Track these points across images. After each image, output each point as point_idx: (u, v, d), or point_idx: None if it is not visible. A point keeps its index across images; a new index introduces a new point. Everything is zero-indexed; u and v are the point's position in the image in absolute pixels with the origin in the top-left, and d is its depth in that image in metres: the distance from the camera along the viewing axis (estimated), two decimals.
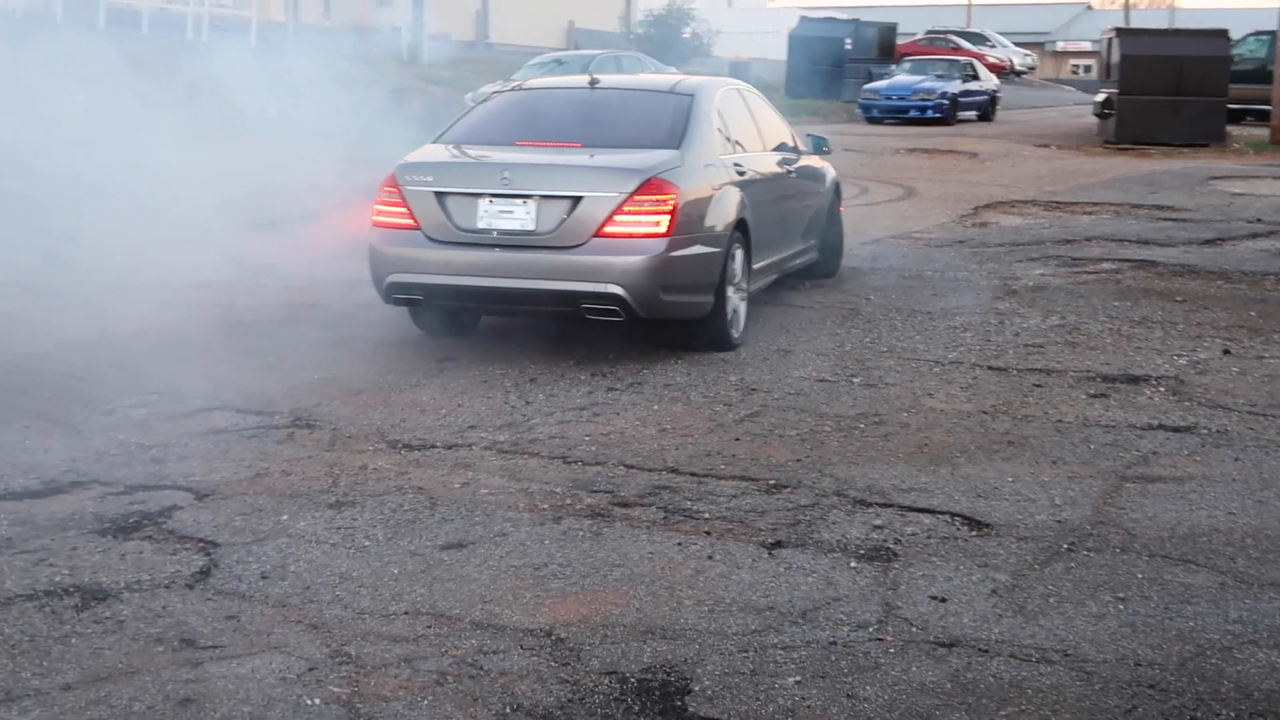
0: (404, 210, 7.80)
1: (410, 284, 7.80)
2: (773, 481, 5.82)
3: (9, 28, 24.87)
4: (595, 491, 5.67)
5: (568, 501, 5.55)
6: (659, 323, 7.91)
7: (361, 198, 9.07)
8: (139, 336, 8.51)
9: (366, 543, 5.05)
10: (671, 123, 8.31)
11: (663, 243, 7.51)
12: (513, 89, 9.57)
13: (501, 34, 43.92)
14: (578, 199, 7.51)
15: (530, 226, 7.55)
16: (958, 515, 5.40)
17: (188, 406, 6.97)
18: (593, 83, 9.06)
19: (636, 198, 7.50)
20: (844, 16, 41.34)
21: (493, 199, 7.62)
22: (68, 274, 10.75)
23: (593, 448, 6.31)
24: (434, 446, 6.33)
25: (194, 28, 27.14)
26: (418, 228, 7.74)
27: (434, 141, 8.57)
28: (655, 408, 7.01)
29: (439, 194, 7.70)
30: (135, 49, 24.79)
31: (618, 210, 7.48)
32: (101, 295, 10.05)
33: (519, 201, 7.58)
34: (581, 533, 5.17)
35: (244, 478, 5.82)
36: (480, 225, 7.62)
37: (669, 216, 7.54)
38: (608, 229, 7.48)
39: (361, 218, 8.51)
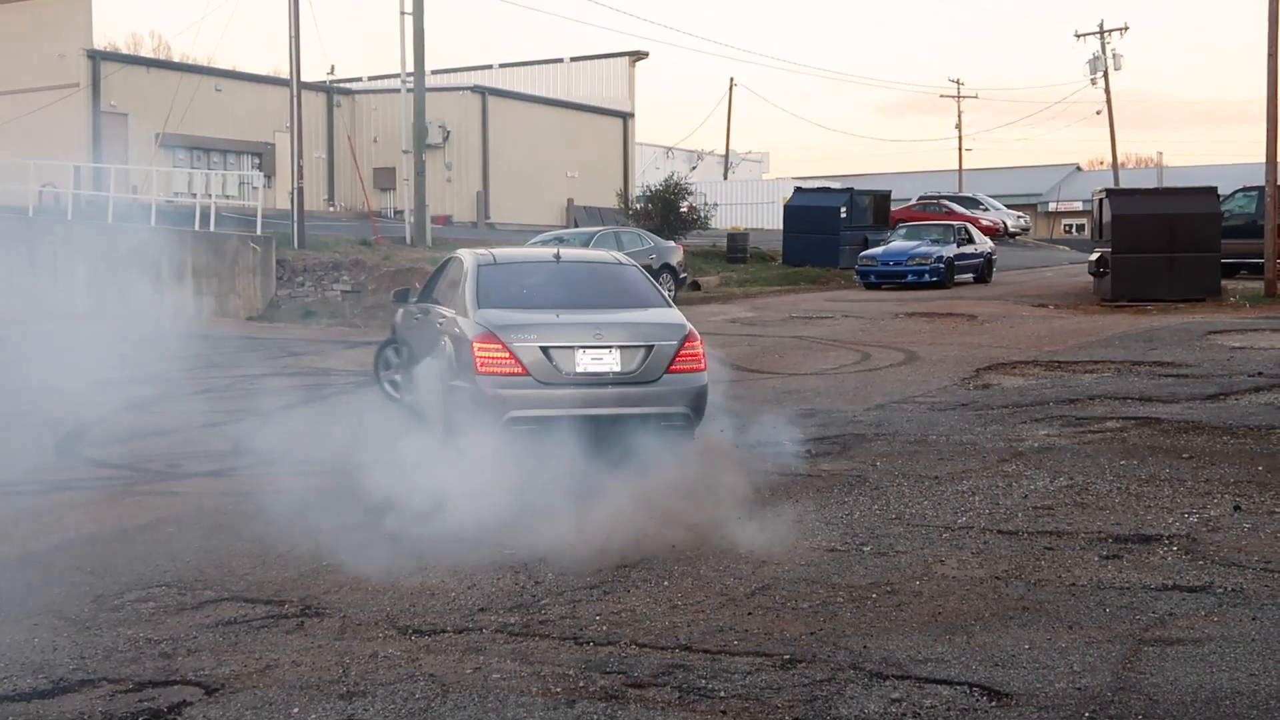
0: (513, 360, 9.55)
1: (528, 418, 9.47)
2: (787, 656, 5.77)
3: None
4: (608, 673, 5.62)
5: (580, 684, 5.49)
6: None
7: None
8: (147, 529, 8.52)
9: None
10: (646, 287, 10.78)
11: (704, 375, 9.96)
12: (489, 263, 10.94)
13: (501, 214, 44.74)
14: (650, 347, 9.68)
15: (618, 369, 9.61)
16: (976, 685, 5.34)
17: (196, 598, 6.95)
18: (557, 256, 11.08)
19: (687, 344, 9.81)
20: (837, 186, 42.16)
21: (586, 349, 9.62)
22: (78, 468, 10.81)
23: (604, 627, 6.27)
24: (444, 631, 6.28)
25: (201, 219, 27.67)
26: (527, 374, 9.51)
27: (482, 308, 10.09)
28: (665, 583, 6.98)
29: (543, 348, 9.54)
30: (144, 242, 25.29)
31: (677, 355, 9.74)
32: (111, 488, 10.10)
33: (607, 351, 9.64)
34: (595, 716, 5.11)
35: (254, 670, 5.78)
36: (579, 370, 9.56)
37: (702, 357, 9.98)
38: (673, 367, 9.72)
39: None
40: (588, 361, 9.62)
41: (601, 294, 10.56)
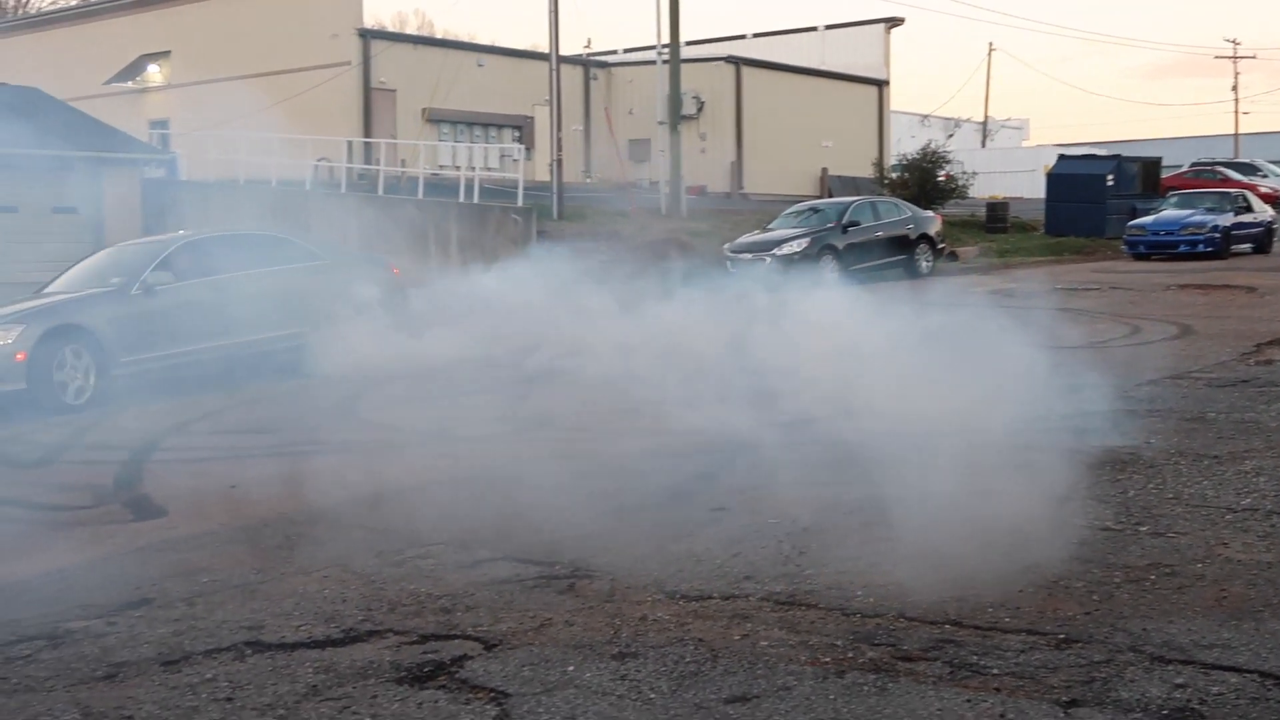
0: None
1: None
2: (1062, 636, 5.62)
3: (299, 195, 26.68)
4: (877, 645, 5.59)
5: (849, 655, 5.48)
6: None
7: None
8: (423, 489, 8.88)
9: (652, 695, 5.09)
10: None
11: None
12: None
13: (755, 185, 44.71)
14: None
15: None
16: (1268, 675, 5.10)
17: (471, 557, 7.20)
18: None
19: None
20: (1103, 152, 40.61)
21: None
22: (361, 431, 11.35)
23: (870, 599, 6.23)
24: (711, 597, 6.35)
25: (465, 191, 28.56)
26: None
27: None
28: (932, 558, 6.88)
29: None
30: (411, 214, 26.26)
31: None
32: (388, 450, 10.56)
33: None
34: (866, 687, 5.09)
35: (529, 628, 5.96)
36: None
37: None
38: None
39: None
40: None
41: None
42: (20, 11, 56.69)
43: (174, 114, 40.20)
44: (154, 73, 43.65)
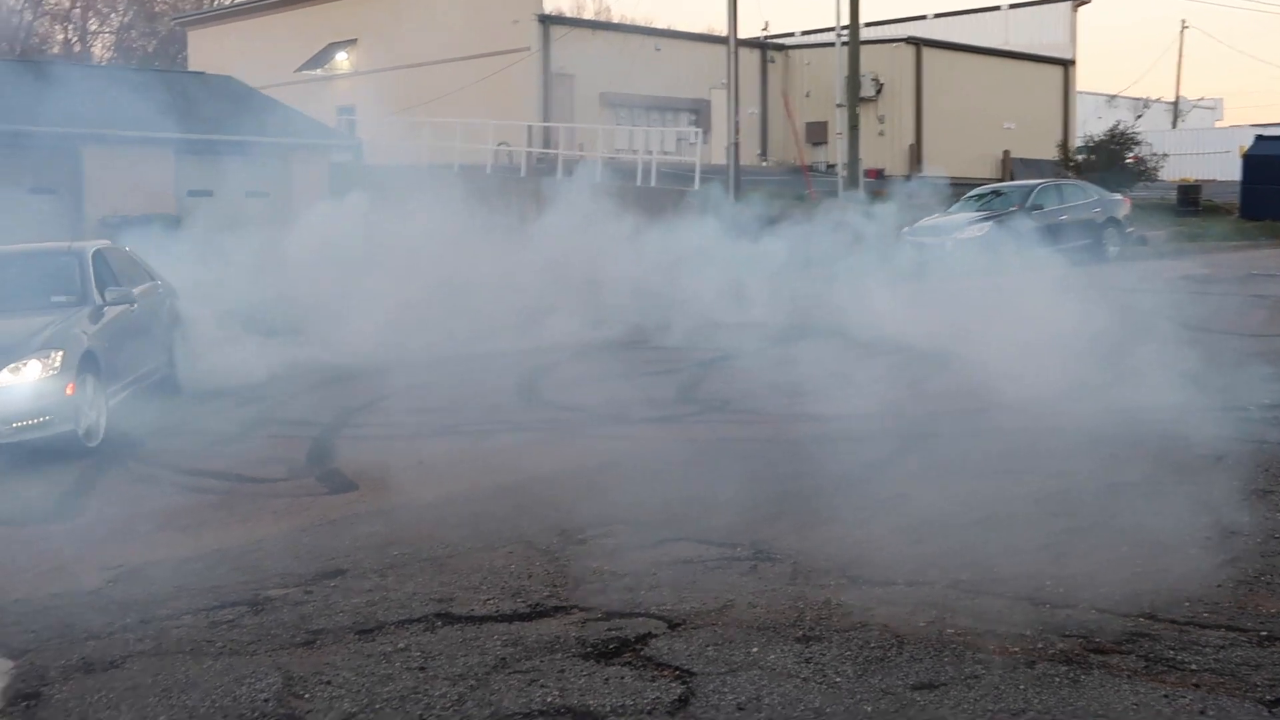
0: None
1: None
2: (1264, 633, 5.42)
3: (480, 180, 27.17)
4: (1067, 636, 5.46)
5: (1039, 645, 5.37)
6: None
7: None
8: (601, 470, 8.98)
9: (837, 678, 5.06)
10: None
11: None
12: None
13: (935, 167, 43.95)
14: None
15: None
16: None
17: (652, 537, 7.25)
18: None
19: None
20: None
21: None
22: (541, 411, 11.53)
23: (1060, 589, 6.09)
24: (895, 583, 6.29)
25: (642, 175, 28.71)
26: None
27: None
28: (1124, 549, 6.70)
29: None
30: (590, 194, 26.51)
31: None
32: (568, 430, 10.71)
33: None
34: (1058, 679, 4.99)
35: (712, 608, 5.98)
36: None
37: None
38: None
39: None
40: None
41: None
42: (216, 3, 58.82)
43: (360, 100, 41.22)
44: (342, 60, 44.86)
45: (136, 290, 12.26)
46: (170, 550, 7.41)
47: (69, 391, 9.92)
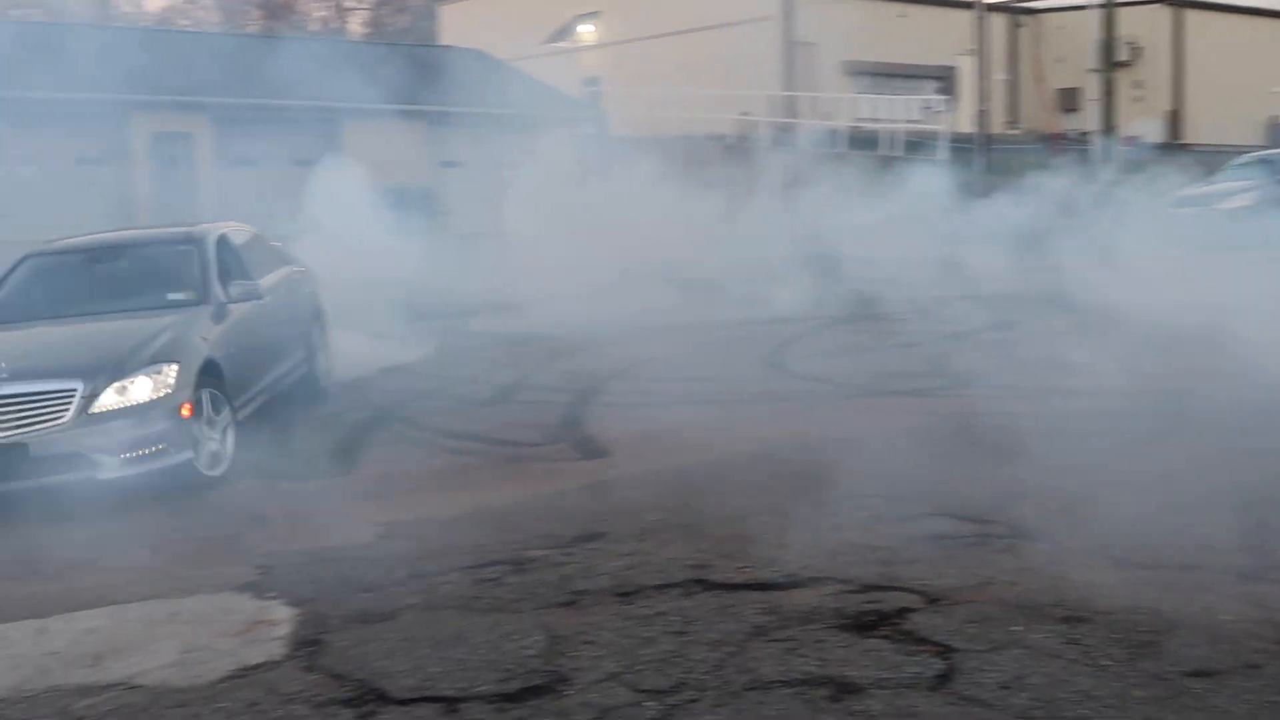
0: None
1: None
2: None
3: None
4: None
5: None
6: None
7: None
8: (854, 441, 8.93)
9: (1105, 662, 4.93)
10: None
11: None
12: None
13: (1195, 134, 42.04)
14: None
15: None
16: None
17: (906, 511, 7.18)
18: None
19: None
20: None
21: None
22: (789, 381, 11.55)
23: None
24: (1163, 566, 6.08)
25: (888, 144, 28.32)
26: None
27: None
28: None
29: None
30: (833, 165, 26.30)
31: None
32: (816, 401, 10.69)
33: None
34: None
35: (970, 585, 5.89)
36: None
37: None
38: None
39: None
40: None
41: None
42: None
43: (605, 72, 41.75)
44: (587, 32, 45.51)
45: (268, 280, 10.88)
46: (434, 509, 7.72)
47: (185, 413, 8.46)
